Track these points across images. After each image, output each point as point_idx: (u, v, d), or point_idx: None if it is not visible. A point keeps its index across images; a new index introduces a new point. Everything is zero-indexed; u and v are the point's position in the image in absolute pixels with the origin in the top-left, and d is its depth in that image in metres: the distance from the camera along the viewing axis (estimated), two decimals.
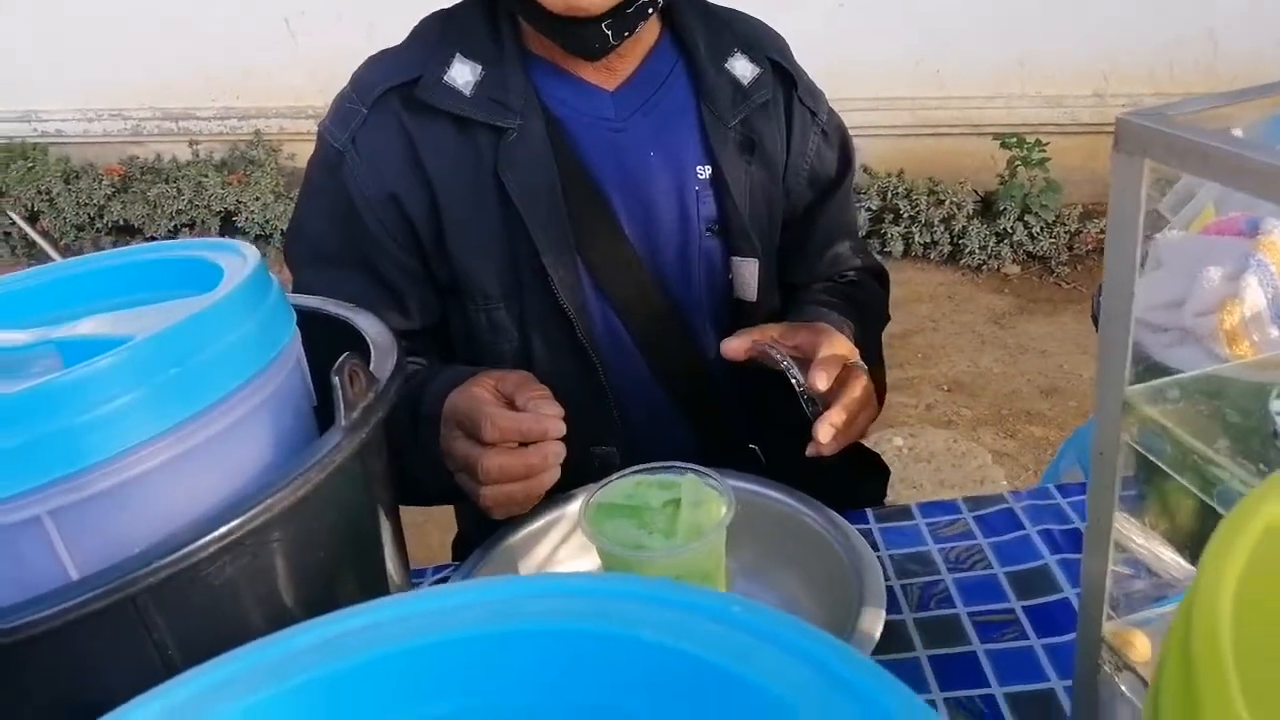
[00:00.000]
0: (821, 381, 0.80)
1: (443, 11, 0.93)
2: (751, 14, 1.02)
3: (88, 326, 0.50)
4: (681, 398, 0.97)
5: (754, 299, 0.95)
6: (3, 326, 0.52)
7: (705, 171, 0.93)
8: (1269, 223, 0.62)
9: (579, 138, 0.90)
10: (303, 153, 3.96)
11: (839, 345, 0.84)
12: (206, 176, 3.75)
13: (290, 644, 0.31)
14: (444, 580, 0.85)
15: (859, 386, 0.83)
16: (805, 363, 0.85)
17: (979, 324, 3.31)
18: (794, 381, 0.83)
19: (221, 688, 0.28)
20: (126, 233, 3.83)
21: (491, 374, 0.79)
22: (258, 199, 3.70)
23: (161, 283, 0.56)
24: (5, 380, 0.49)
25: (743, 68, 0.95)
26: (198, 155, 3.96)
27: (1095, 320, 0.91)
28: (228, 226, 3.76)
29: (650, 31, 0.92)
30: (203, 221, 3.73)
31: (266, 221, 3.71)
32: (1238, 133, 0.46)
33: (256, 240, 3.77)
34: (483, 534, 0.81)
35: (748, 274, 0.94)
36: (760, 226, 0.96)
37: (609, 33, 0.83)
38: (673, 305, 0.95)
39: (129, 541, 0.44)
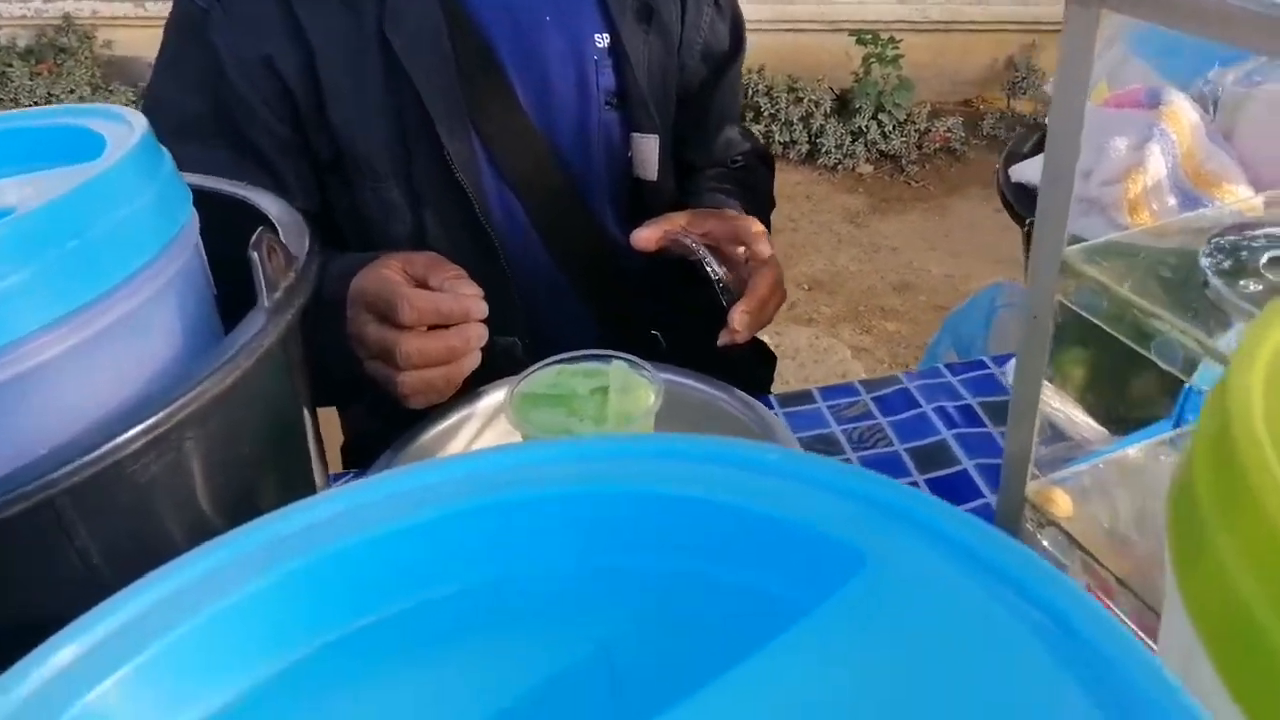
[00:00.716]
0: (766, 250, 0.80)
1: None
2: None
3: None
4: (581, 281, 0.95)
5: (654, 178, 0.93)
6: None
7: (604, 40, 0.89)
8: (1169, 93, 0.64)
9: None
10: (122, 39, 3.59)
11: (756, 223, 0.84)
12: (10, 66, 3.35)
13: (271, 530, 0.28)
14: None
15: (770, 272, 0.83)
16: (714, 249, 0.84)
17: (836, 223, 3.41)
18: (709, 271, 0.82)
19: (213, 576, 0.25)
20: None
21: (397, 255, 0.74)
22: (72, 91, 3.35)
23: (33, 152, 0.49)
24: None
25: None
26: None
27: (1002, 194, 0.94)
28: None
29: None
30: None
31: None
32: None
33: None
34: (373, 434, 0.77)
35: (648, 150, 0.92)
36: (658, 101, 0.93)
37: None
38: (571, 182, 0.92)
39: (33, 442, 0.39)
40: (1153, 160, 0.61)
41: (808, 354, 2.78)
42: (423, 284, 0.71)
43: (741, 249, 0.85)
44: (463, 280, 0.71)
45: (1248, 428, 0.23)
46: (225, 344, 0.42)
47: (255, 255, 0.44)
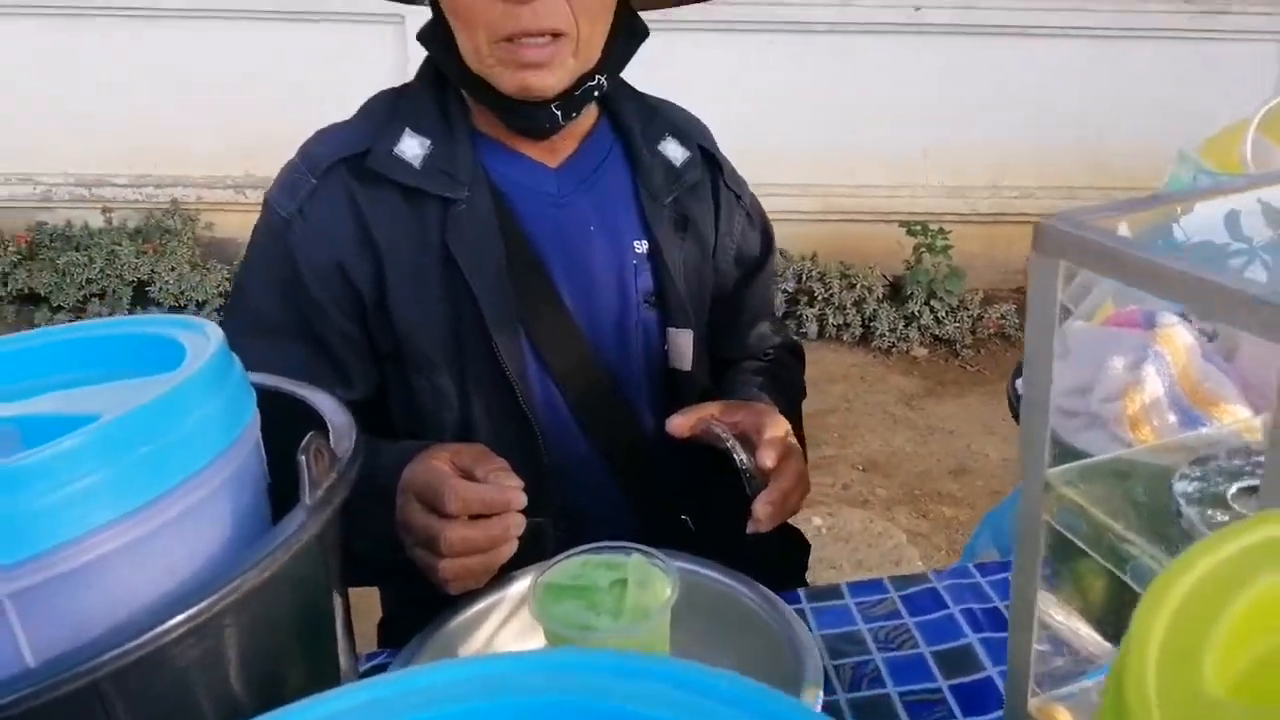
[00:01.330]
0: (769, 460, 0.83)
1: (393, 90, 0.97)
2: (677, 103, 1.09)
3: (49, 403, 0.49)
4: (616, 468, 0.99)
5: (689, 369, 0.99)
6: None
7: (642, 246, 0.98)
8: (1164, 316, 0.68)
9: (523, 211, 0.94)
10: (221, 222, 3.90)
11: (780, 424, 0.88)
12: (120, 245, 3.65)
13: None
14: (380, 668, 0.84)
15: (795, 466, 0.86)
16: (744, 440, 0.88)
17: (890, 404, 3.43)
18: (738, 460, 0.86)
19: None
20: (31, 301, 3.69)
21: (447, 446, 0.81)
22: (173, 269, 3.62)
23: (120, 359, 0.56)
24: None
25: (674, 151, 1.01)
26: (111, 223, 3.86)
27: (1011, 405, 0.97)
28: (140, 297, 3.65)
29: (590, 115, 0.98)
30: (114, 291, 3.61)
31: (181, 293, 3.61)
32: (1125, 232, 0.52)
33: (171, 311, 3.67)
34: (409, 616, 0.80)
35: (683, 344, 0.98)
36: (693, 300, 1.01)
37: (558, 113, 0.89)
38: (610, 375, 0.98)
39: (87, 624, 0.43)
40: (1149, 380, 0.65)
41: (861, 538, 2.75)
42: (469, 475, 0.77)
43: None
44: (506, 472, 0.76)
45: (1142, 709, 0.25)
46: (267, 539, 0.46)
47: (303, 459, 0.49)
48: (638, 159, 0.98)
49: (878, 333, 3.70)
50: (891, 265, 3.87)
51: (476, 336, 0.90)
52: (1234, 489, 0.47)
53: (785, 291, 3.75)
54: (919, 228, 3.77)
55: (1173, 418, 0.65)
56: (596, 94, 0.91)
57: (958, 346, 3.71)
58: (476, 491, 0.74)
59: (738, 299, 1.09)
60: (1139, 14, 3.78)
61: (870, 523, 2.78)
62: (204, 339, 0.55)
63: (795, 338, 1.19)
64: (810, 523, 2.67)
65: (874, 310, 3.71)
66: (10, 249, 3.67)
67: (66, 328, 0.59)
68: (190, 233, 3.82)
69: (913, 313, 3.71)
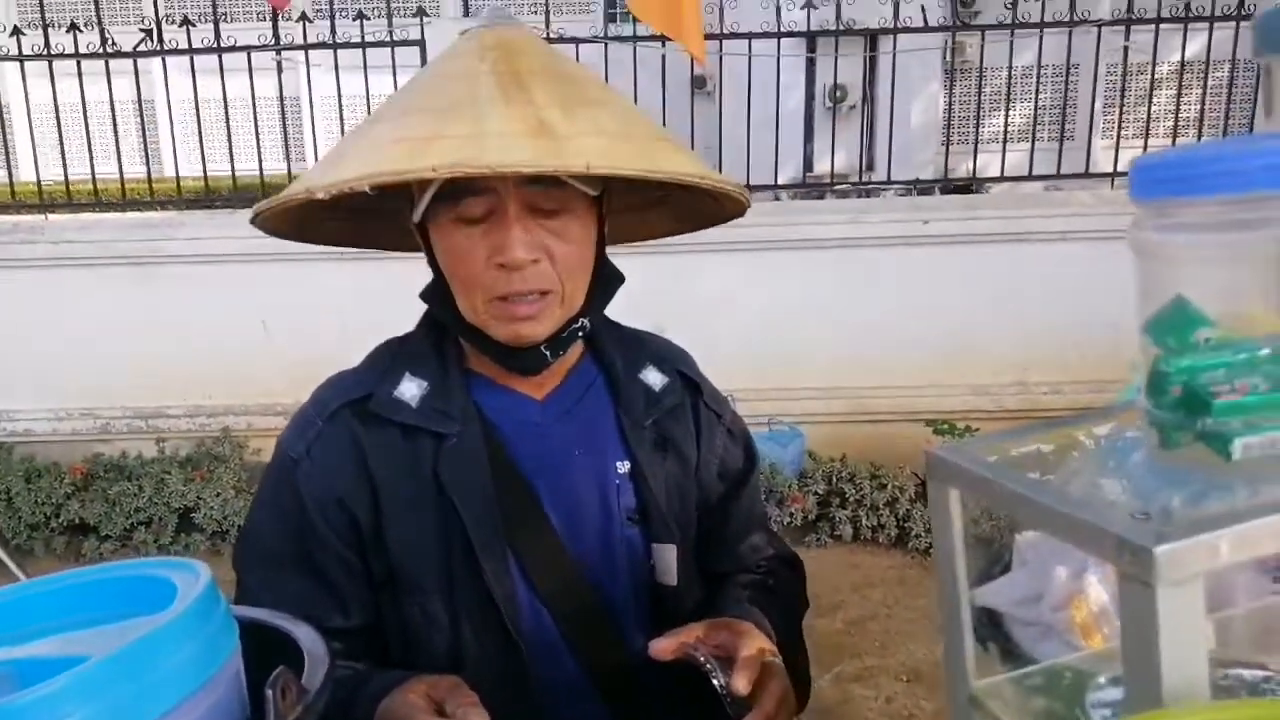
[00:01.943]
0: (742, 685, 0.86)
1: (397, 338, 1.07)
2: (688, 325, 1.17)
3: (46, 647, 0.55)
4: (602, 684, 1.01)
5: (674, 583, 1.02)
6: None
7: (624, 466, 1.03)
8: None
9: (510, 440, 1.01)
10: (268, 448, 4.02)
11: (758, 644, 0.90)
12: (170, 474, 3.80)
13: None
14: None
15: (777, 687, 0.88)
16: (727, 660, 0.90)
17: (933, 609, 3.33)
18: (717, 684, 0.88)
19: None
20: (81, 531, 3.81)
21: (424, 679, 0.84)
22: (218, 495, 3.74)
23: (119, 599, 0.62)
24: None
25: (654, 377, 1.08)
26: (163, 452, 4.04)
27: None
28: (185, 523, 3.76)
29: (575, 351, 1.06)
30: (160, 519, 3.73)
31: (225, 518, 3.72)
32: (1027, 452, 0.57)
33: (213, 537, 3.76)
34: None
35: (668, 559, 1.02)
36: (677, 516, 1.05)
37: (547, 353, 0.97)
38: (597, 594, 1.01)
39: None
40: (1091, 589, 0.67)
41: None
42: (441, 707, 0.80)
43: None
44: (475, 708, 0.80)
45: None
46: None
47: (270, 693, 0.53)
48: (618, 387, 1.06)
49: (913, 533, 3.65)
50: (921, 464, 3.85)
51: (466, 562, 0.95)
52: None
53: (816, 494, 3.75)
54: (946, 426, 3.80)
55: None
56: (581, 333, 1.01)
57: None
58: None
59: (723, 511, 1.13)
60: (1125, 216, 3.94)
61: None
62: (194, 579, 0.60)
63: (792, 549, 1.21)
64: None
65: (907, 510, 3.68)
66: (65, 481, 3.83)
67: (74, 573, 0.65)
68: (238, 458, 3.98)
69: None
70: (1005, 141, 4.46)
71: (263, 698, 0.59)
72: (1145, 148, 4.57)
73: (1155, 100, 4.61)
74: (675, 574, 1.01)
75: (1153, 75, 4.36)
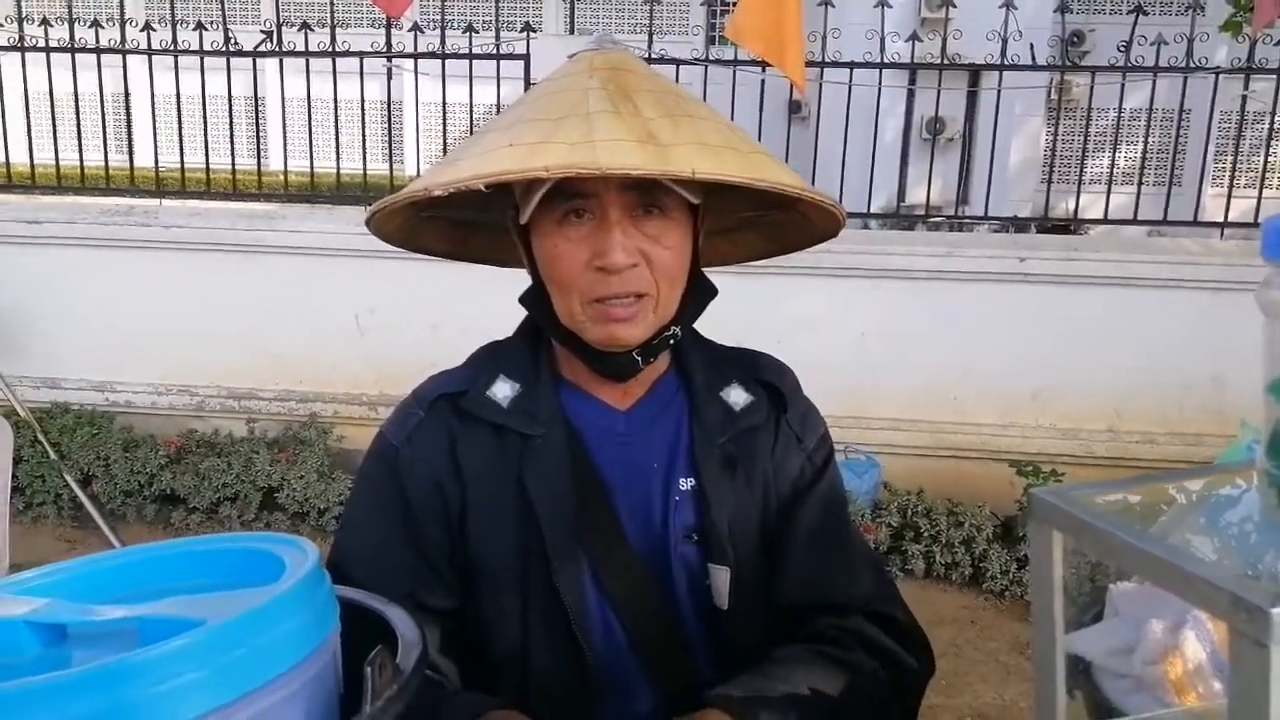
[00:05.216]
0: None
1: (495, 342, 1.11)
2: (771, 347, 1.16)
3: (167, 607, 0.58)
4: (671, 697, 1.01)
5: (725, 606, 1.01)
6: (96, 600, 0.61)
7: (688, 484, 1.04)
8: None
9: (593, 447, 1.03)
10: (352, 435, 4.18)
11: None
12: (258, 453, 3.94)
13: None
14: None
15: None
16: None
17: (1003, 652, 3.25)
18: None
19: None
20: (170, 501, 3.98)
21: (493, 716, 0.89)
22: (301, 477, 3.86)
23: (232, 569, 0.65)
24: (89, 650, 0.57)
25: (737, 396, 1.07)
26: (253, 432, 4.20)
27: None
28: (268, 502, 3.89)
29: (662, 362, 1.07)
30: (245, 496, 3.87)
31: (306, 500, 3.84)
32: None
33: (294, 517, 3.88)
34: None
35: (720, 581, 1.01)
36: (737, 539, 1.03)
37: (638, 359, 1.00)
38: (666, 605, 1.02)
39: None
40: (1189, 646, 0.65)
41: None
42: None
43: None
44: None
45: None
46: None
47: (369, 670, 0.56)
48: (697, 403, 1.06)
49: (988, 574, 3.56)
50: (1002, 505, 3.77)
51: (541, 563, 0.98)
52: None
53: (890, 525, 3.69)
54: (1030, 468, 3.70)
55: (1218, 685, 0.65)
56: (671, 342, 1.02)
57: None
58: None
59: (788, 534, 1.07)
60: (1245, 268, 3.78)
61: None
62: (302, 556, 0.63)
63: (921, 632, 1.08)
64: None
65: (984, 550, 3.59)
66: (160, 453, 4.00)
67: (191, 540, 0.69)
68: (323, 444, 4.10)
69: (1027, 555, 3.57)
70: (1110, 183, 4.33)
71: (355, 675, 0.62)
72: (1260, 198, 4.38)
73: (1273, 151, 4.42)
74: (725, 598, 1.01)
75: (1270, 125, 4.18)
